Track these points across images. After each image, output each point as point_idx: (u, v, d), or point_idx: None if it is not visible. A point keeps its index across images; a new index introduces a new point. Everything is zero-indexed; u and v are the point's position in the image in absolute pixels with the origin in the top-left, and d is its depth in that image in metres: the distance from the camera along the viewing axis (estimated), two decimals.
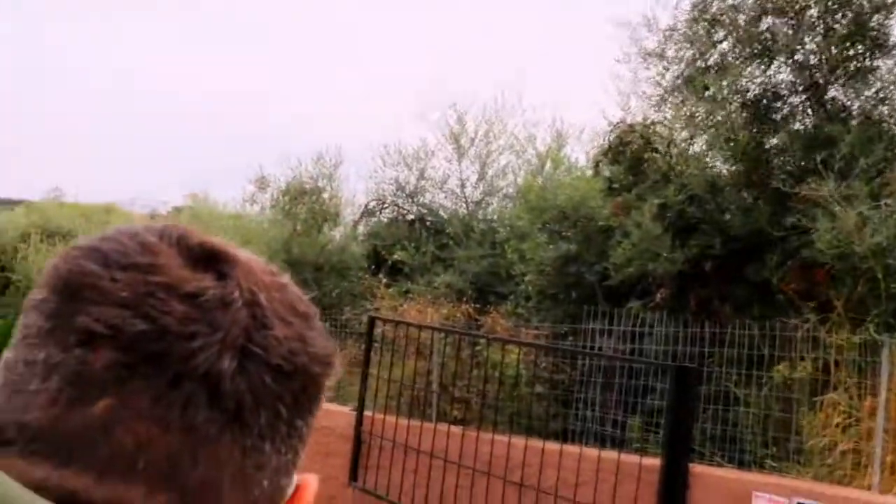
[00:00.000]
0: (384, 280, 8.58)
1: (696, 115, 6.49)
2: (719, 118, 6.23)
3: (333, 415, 7.62)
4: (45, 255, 15.59)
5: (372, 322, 6.92)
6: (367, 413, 7.02)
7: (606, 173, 7.94)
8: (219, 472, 0.45)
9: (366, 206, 11.59)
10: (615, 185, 7.32)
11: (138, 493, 0.43)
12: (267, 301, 0.48)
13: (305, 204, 12.47)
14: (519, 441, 5.93)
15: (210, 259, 0.48)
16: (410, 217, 11.56)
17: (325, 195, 12.82)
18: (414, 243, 10.34)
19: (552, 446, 5.79)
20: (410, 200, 11.48)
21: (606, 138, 7.77)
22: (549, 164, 9.81)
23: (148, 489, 0.43)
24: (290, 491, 0.52)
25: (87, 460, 0.43)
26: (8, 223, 18.89)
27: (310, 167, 12.69)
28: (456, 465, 6.27)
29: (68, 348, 0.44)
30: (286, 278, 0.55)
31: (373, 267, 10.76)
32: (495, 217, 10.62)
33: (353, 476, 7.03)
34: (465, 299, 7.86)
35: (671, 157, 7.27)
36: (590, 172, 9.14)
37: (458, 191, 11.31)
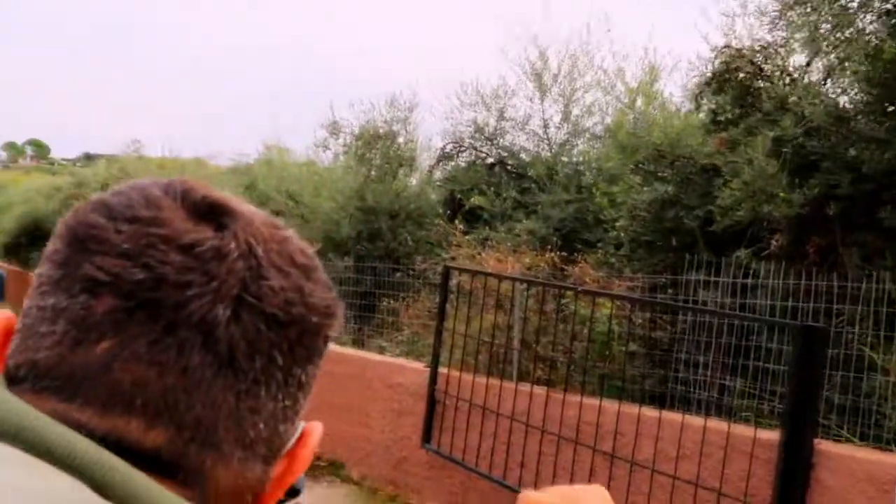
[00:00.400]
0: (460, 227, 7.94)
1: (821, 30, 5.55)
2: (849, 33, 5.29)
3: (406, 371, 7.11)
4: None
5: (447, 272, 6.33)
6: (442, 370, 6.48)
7: (709, 106, 7.07)
8: (213, 412, 0.49)
9: (442, 149, 10.94)
10: (720, 119, 6.45)
11: (137, 426, 0.47)
12: (264, 252, 0.51)
13: (379, 149, 11.91)
14: (611, 406, 5.28)
15: (211, 212, 0.51)
16: (490, 161, 10.86)
17: (400, 140, 12.22)
18: (493, 188, 9.66)
19: (649, 413, 5.11)
20: (489, 143, 10.76)
21: (709, 66, 6.87)
22: (640, 101, 8.93)
23: (146, 424, 0.47)
24: (290, 437, 0.55)
25: (89, 396, 0.47)
26: (92, 177, 19.08)
27: (383, 111, 12.09)
28: (539, 429, 5.67)
29: (74, 295, 0.49)
30: (289, 231, 0.56)
31: (449, 213, 10.14)
32: (581, 159, 9.82)
33: (427, 437, 6.52)
34: (548, 248, 7.18)
35: (786, 84, 6.35)
36: (686, 108, 8.26)
37: (540, 132, 10.54)
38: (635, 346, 5.65)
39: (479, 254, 6.81)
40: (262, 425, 0.51)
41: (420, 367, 6.92)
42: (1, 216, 23.34)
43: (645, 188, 6.72)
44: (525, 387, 5.81)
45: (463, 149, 10.84)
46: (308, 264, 0.54)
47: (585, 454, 5.35)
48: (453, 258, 8.07)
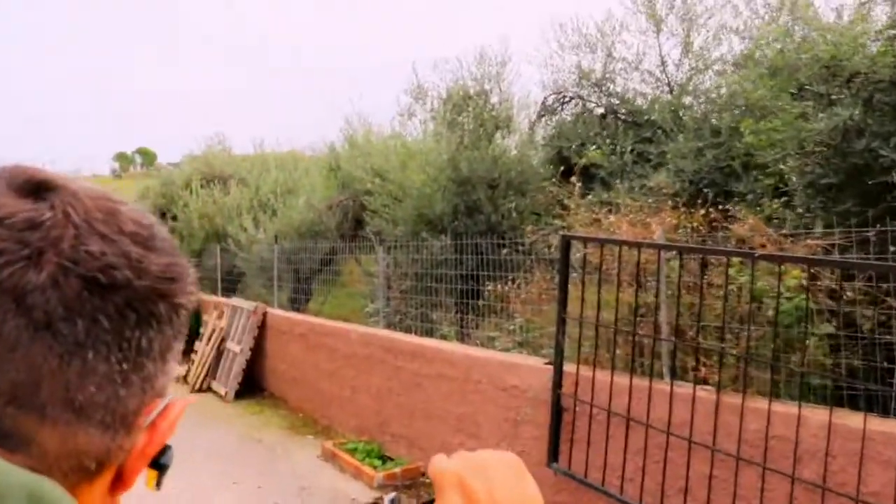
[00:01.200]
0: (577, 188, 6.48)
1: None
2: None
3: (521, 370, 5.72)
4: (203, 200, 14.86)
5: (567, 243, 4.89)
6: (569, 369, 5.07)
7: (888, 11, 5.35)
8: (32, 375, 0.49)
9: (543, 102, 9.45)
10: None
11: None
12: (84, 221, 0.52)
13: (471, 111, 10.50)
14: (814, 415, 3.76)
15: (35, 188, 0.53)
16: (599, 111, 9.31)
17: (494, 99, 10.77)
18: (609, 140, 8.13)
19: (878, 426, 3.57)
20: (598, 90, 9.20)
21: None
22: (785, 15, 7.21)
23: None
24: (138, 405, 0.54)
25: None
26: (178, 175, 18.51)
27: (472, 68, 10.67)
28: (707, 447, 4.20)
29: None
30: (123, 203, 0.56)
31: (554, 177, 8.66)
32: (713, 96, 8.14)
33: (553, 455, 5.12)
34: (681, 203, 5.66)
35: None
36: (847, 16, 6.54)
37: (656, 71, 8.90)
38: (835, 330, 4.07)
39: (605, 218, 5.33)
40: (93, 388, 0.51)
41: (539, 364, 5.53)
42: None
43: (821, 114, 5.08)
44: (683, 388, 4.34)
45: (567, 100, 9.32)
46: (140, 232, 0.54)
47: (779, 483, 3.85)
48: (566, 227, 6.65)
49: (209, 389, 10.82)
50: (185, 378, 11.48)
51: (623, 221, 4.99)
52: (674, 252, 4.46)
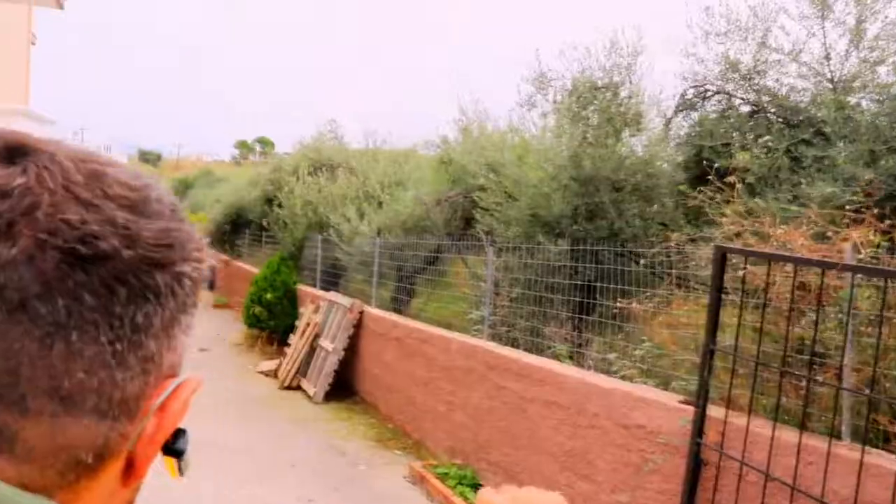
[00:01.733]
0: (738, 189, 5.46)
1: None
2: None
3: (650, 406, 4.74)
4: (308, 187, 14.40)
5: (722, 257, 3.90)
6: (714, 413, 4.08)
7: None
8: (9, 364, 0.44)
9: (682, 96, 8.36)
10: None
11: None
12: (62, 185, 0.47)
13: (598, 105, 9.49)
14: None
15: (8, 153, 0.48)
16: (746, 108, 8.16)
17: (623, 93, 9.72)
18: (760, 142, 7.01)
19: None
20: (746, 84, 8.05)
21: None
22: None
23: None
24: (142, 388, 0.50)
25: None
26: (288, 161, 18.25)
27: (601, 58, 9.66)
28: None
29: None
30: (111, 163, 0.51)
31: (689, 181, 7.62)
32: (891, 93, 6.89)
33: None
34: (869, 215, 4.55)
35: None
36: None
37: (818, 65, 7.67)
38: None
39: (770, 229, 4.27)
40: (82, 373, 0.46)
41: (673, 401, 4.55)
42: (214, 206, 23.42)
43: None
44: (877, 458, 3.30)
45: (709, 94, 8.21)
46: (128, 195, 0.49)
47: None
48: (727, 238, 5.65)
49: (298, 388, 10.25)
50: (275, 373, 10.97)
51: (798, 234, 3.94)
52: (860, 277, 3.41)
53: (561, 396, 5.53)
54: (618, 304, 5.86)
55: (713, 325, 3.92)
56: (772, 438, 3.64)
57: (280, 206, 14.79)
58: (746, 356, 3.82)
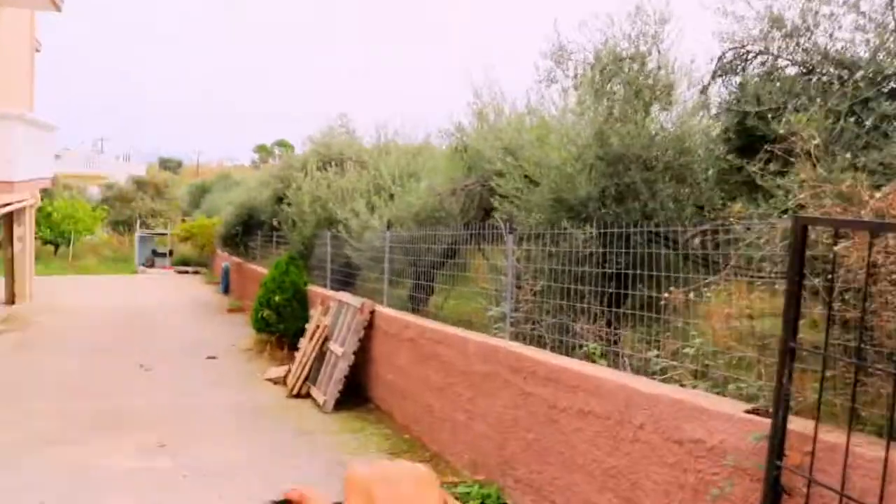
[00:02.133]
0: (778, 163, 4.61)
1: None
2: None
3: (708, 418, 3.87)
4: (317, 183, 13.63)
5: (803, 232, 3.04)
6: (796, 427, 3.22)
7: None
8: None
9: (719, 60, 7.46)
10: None
11: None
12: None
13: (623, 78, 8.60)
14: None
15: None
16: (792, 70, 7.25)
17: (651, 64, 8.81)
18: (816, 104, 6.12)
19: None
20: (793, 43, 7.13)
21: None
22: None
23: None
24: None
25: None
26: (297, 158, 17.50)
27: (625, 26, 8.78)
28: None
29: None
30: None
31: (731, 153, 6.78)
32: None
33: None
34: None
35: None
36: None
37: (879, 14, 6.75)
38: None
39: (866, 194, 3.40)
40: None
41: (738, 411, 3.69)
42: (226, 209, 22.77)
43: None
44: None
45: (750, 56, 7.30)
46: None
47: None
48: (755, 214, 4.83)
49: (308, 395, 9.47)
50: (284, 380, 10.20)
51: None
52: None
53: (597, 404, 4.69)
54: (666, 294, 4.99)
55: (794, 318, 3.06)
56: (885, 462, 2.78)
57: (289, 203, 14.04)
58: (841, 357, 2.96)
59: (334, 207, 11.90)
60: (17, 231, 19.39)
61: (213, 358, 12.34)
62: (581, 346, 5.96)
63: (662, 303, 5.15)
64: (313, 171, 13.84)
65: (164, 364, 11.77)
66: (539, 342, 6.27)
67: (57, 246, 33.83)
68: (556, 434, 5.13)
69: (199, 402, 9.23)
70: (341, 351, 8.94)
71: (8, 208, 17.56)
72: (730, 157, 6.60)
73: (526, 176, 8.47)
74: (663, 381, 4.76)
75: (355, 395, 9.14)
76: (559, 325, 6.34)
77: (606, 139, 7.76)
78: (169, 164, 76.34)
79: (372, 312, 9.02)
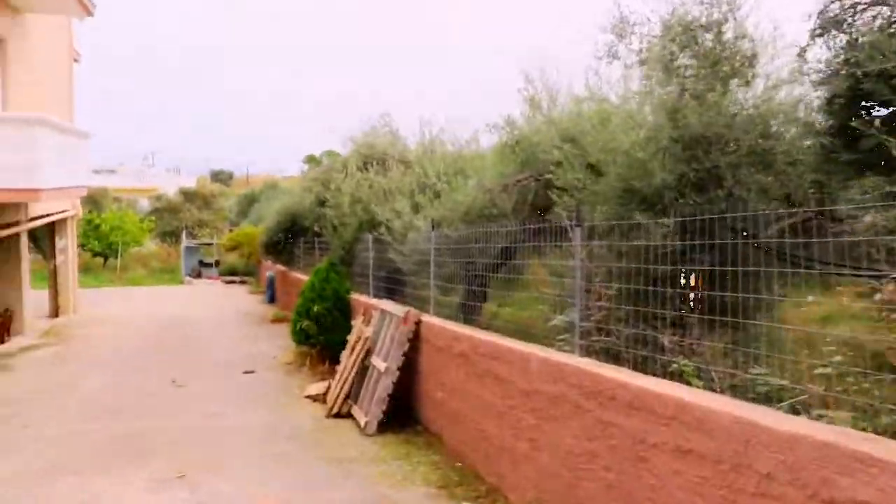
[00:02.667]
0: None
1: None
2: None
3: (882, 471, 2.81)
4: (358, 183, 12.72)
5: None
6: None
7: None
8: None
9: (819, 15, 6.33)
10: None
11: None
12: None
13: (696, 50, 7.51)
14: None
15: None
16: None
17: (727, 33, 7.71)
18: None
19: None
20: None
21: None
22: None
23: None
24: None
25: None
26: (339, 161, 16.68)
27: None
28: None
29: None
30: None
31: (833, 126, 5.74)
32: None
33: None
34: None
35: None
36: None
37: None
38: None
39: None
40: None
41: None
42: (271, 216, 22.11)
43: None
44: None
45: (860, 7, 6.17)
46: None
47: None
48: None
49: (349, 415, 8.53)
50: (324, 397, 9.29)
51: None
52: None
53: (703, 442, 3.63)
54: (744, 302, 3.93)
55: None
56: None
57: (329, 206, 13.19)
58: None
59: (376, 208, 10.97)
60: (58, 243, 18.95)
61: (251, 372, 11.51)
62: (672, 364, 4.88)
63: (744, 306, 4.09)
64: (353, 170, 12.97)
65: (199, 380, 10.98)
66: (616, 358, 5.22)
67: (106, 258, 33.70)
68: (645, 476, 4.08)
69: (230, 425, 8.36)
70: (384, 366, 7.98)
71: (47, 219, 17.09)
72: (824, 135, 5.50)
73: (589, 165, 7.43)
74: (791, 410, 3.68)
75: (401, 414, 8.18)
76: (638, 335, 5.28)
77: (681, 118, 6.67)
78: (220, 177, 76.76)
79: (418, 323, 8.04)
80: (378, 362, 8.22)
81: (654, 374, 4.74)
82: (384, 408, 7.87)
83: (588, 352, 5.39)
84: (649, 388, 4.15)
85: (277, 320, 18.09)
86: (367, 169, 12.86)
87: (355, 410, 8.39)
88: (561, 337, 6.17)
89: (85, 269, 29.79)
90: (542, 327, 6.73)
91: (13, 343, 14.56)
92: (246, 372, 11.52)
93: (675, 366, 4.86)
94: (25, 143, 11.70)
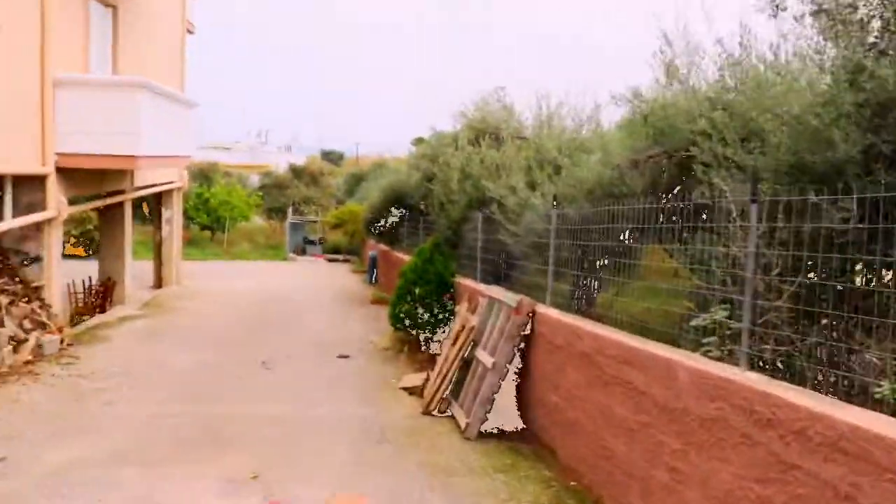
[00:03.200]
0: None
1: None
2: None
3: None
4: (468, 157, 11.72)
5: None
6: None
7: None
8: None
9: None
10: None
11: None
12: None
13: None
14: None
15: None
16: None
17: None
18: None
19: None
20: None
21: None
22: None
23: None
24: None
25: None
26: (448, 136, 15.76)
27: None
28: None
29: None
30: None
31: None
32: None
33: None
34: None
35: None
36: None
37: None
38: None
39: None
40: None
41: None
42: (375, 194, 21.49)
43: None
44: None
45: None
46: None
47: None
48: None
49: (448, 412, 7.59)
50: (421, 390, 8.39)
51: None
52: None
53: None
54: None
55: None
56: None
57: (436, 183, 12.27)
58: None
59: (487, 184, 9.95)
60: (164, 214, 18.83)
61: (345, 357, 10.75)
62: (874, 385, 3.66)
63: None
64: (465, 145, 11.99)
65: (290, 362, 10.29)
66: (797, 377, 4.03)
67: (213, 231, 34.05)
68: None
69: (316, 416, 7.55)
70: (491, 361, 6.98)
71: (152, 190, 16.90)
72: None
73: (743, 140, 6.19)
74: None
75: (507, 417, 7.18)
76: (830, 346, 4.08)
77: (868, 77, 5.35)
78: (331, 156, 77.55)
79: (532, 314, 7.00)
80: (484, 356, 7.23)
81: (851, 400, 3.56)
82: (488, 409, 6.88)
83: (755, 365, 4.22)
84: (865, 427, 2.98)
85: (377, 301, 17.38)
86: (478, 143, 11.87)
87: (455, 408, 7.44)
88: (707, 342, 5.01)
89: (192, 243, 30.10)
90: (671, 324, 5.55)
91: (113, 312, 14.35)
92: (340, 356, 10.76)
93: (883, 390, 3.65)
94: (124, 108, 11.26)
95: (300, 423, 7.29)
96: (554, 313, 6.74)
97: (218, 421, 7.23)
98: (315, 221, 36.26)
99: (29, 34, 10.34)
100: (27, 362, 9.98)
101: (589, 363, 5.72)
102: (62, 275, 12.15)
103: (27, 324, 10.85)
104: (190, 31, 21.06)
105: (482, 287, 8.99)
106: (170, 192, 18.51)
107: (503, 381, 6.95)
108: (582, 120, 12.08)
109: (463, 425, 6.96)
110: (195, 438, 6.68)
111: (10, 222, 10.73)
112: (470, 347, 7.81)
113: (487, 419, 6.93)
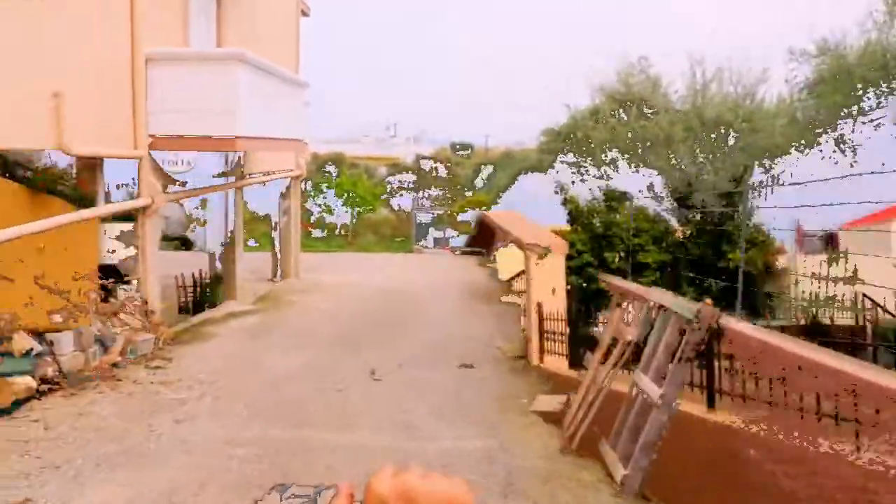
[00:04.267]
0: None
1: None
2: None
3: None
4: (613, 129, 9.83)
5: None
6: None
7: None
8: None
9: None
10: None
11: None
12: None
13: None
14: None
15: None
16: None
17: None
18: None
19: None
20: None
21: None
22: None
23: None
24: None
25: None
26: (586, 109, 13.89)
27: None
28: None
29: None
30: None
31: None
32: None
33: None
34: None
35: None
36: None
37: None
38: None
39: None
40: None
41: None
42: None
43: None
44: None
45: None
46: None
47: None
48: None
49: (596, 453, 5.78)
50: (559, 416, 6.62)
51: None
52: None
53: None
54: None
55: None
56: None
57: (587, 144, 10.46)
58: None
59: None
60: (282, 203, 17.84)
61: (468, 367, 9.11)
62: None
63: None
64: (607, 116, 10.10)
65: (403, 370, 8.76)
66: None
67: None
68: None
69: (422, 450, 5.93)
70: (657, 393, 5.10)
71: (267, 178, 15.89)
72: None
73: None
74: None
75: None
76: None
77: None
78: (460, 148, 76.23)
79: (716, 330, 5.06)
80: (647, 384, 5.34)
81: None
82: (654, 455, 5.03)
83: None
84: None
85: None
86: (617, 114, 9.96)
87: (605, 451, 5.61)
88: None
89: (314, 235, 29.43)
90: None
91: (221, 308, 13.33)
92: (462, 366, 9.13)
93: None
94: (220, 84, 10.04)
95: (397, 459, 5.69)
96: (750, 329, 4.78)
97: (299, 456, 5.73)
98: (443, 213, 35.02)
99: (120, 7, 9.27)
100: (114, 364, 8.95)
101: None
102: (164, 267, 11.14)
103: (117, 322, 9.86)
104: (304, 13, 19.98)
105: (641, 289, 7.08)
106: (286, 180, 17.47)
107: (671, 419, 5.07)
108: (745, 87, 9.99)
109: (618, 477, 5.13)
110: (258, 479, 5.19)
111: (101, 209, 9.75)
112: (624, 365, 5.97)
113: (650, 469, 5.09)
